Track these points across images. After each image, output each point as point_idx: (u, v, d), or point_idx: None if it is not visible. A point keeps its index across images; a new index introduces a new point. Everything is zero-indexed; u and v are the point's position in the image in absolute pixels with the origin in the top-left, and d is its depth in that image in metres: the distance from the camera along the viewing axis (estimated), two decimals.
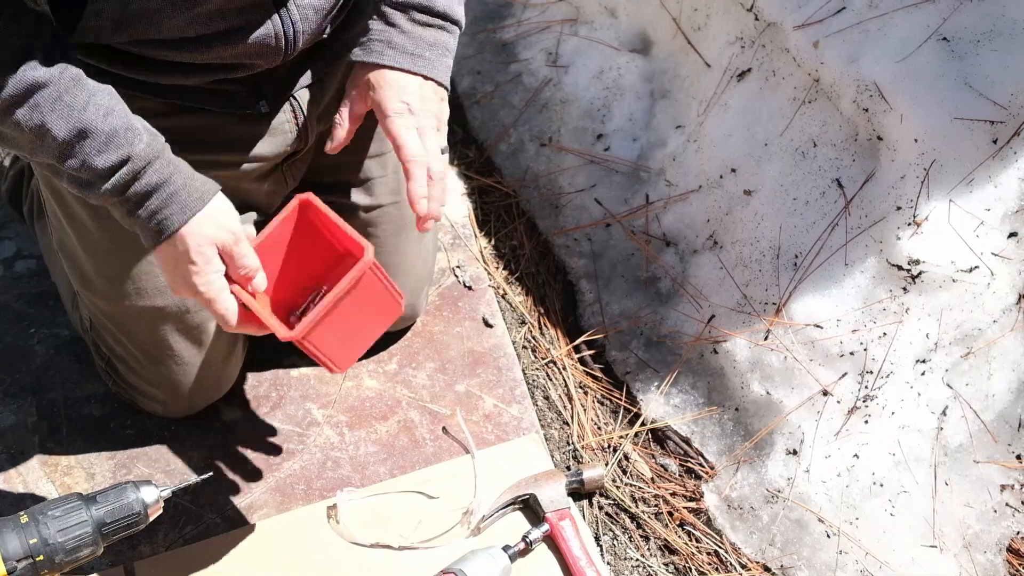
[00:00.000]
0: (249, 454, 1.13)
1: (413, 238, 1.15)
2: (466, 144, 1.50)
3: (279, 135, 0.98)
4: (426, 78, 0.92)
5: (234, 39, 0.86)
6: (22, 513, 0.83)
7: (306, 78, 0.97)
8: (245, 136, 0.96)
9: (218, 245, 0.82)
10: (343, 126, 0.94)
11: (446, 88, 0.94)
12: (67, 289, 1.14)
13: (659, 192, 1.34)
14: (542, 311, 1.31)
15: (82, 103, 0.77)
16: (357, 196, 1.10)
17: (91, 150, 0.78)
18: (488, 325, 1.27)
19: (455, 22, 0.93)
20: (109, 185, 0.80)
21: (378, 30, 0.92)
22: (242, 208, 1.00)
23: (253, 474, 1.11)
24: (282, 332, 0.81)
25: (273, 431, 1.15)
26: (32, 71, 0.75)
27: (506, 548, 1.02)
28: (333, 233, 0.87)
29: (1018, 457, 1.11)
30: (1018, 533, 1.09)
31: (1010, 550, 1.09)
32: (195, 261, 0.81)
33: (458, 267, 1.33)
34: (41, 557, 0.81)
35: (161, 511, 0.88)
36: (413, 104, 0.91)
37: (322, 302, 0.82)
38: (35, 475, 1.09)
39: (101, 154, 0.79)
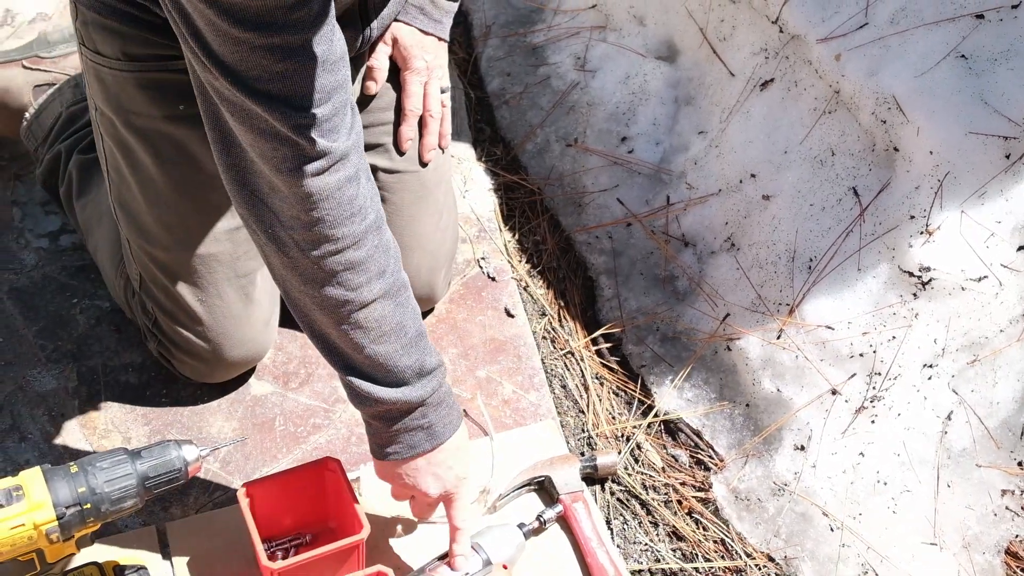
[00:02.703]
0: (277, 426, 1.19)
1: (431, 210, 1.20)
2: (494, 142, 1.56)
3: None
4: (439, 39, 1.14)
5: None
6: (72, 464, 0.89)
7: (358, 61, 1.10)
8: None
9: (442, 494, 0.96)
10: (382, 67, 1.13)
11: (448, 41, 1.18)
12: (110, 258, 1.20)
13: (680, 194, 1.39)
14: (562, 304, 1.36)
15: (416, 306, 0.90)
16: (378, 159, 1.16)
17: (426, 348, 0.90)
18: (510, 315, 1.32)
19: None
20: (424, 384, 0.90)
21: None
22: None
23: (281, 445, 1.17)
24: (264, 561, 0.94)
25: (301, 406, 1.21)
26: (402, 273, 0.89)
27: (521, 526, 1.07)
28: (340, 502, 1.01)
29: (1020, 464, 1.14)
30: (1017, 536, 1.12)
31: (1008, 552, 1.12)
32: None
33: (483, 259, 1.38)
34: (88, 505, 0.87)
35: (200, 470, 0.94)
36: (430, 60, 1.14)
37: (307, 553, 0.95)
38: (74, 436, 1.15)
39: (431, 354, 0.91)
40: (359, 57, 1.10)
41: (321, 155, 0.79)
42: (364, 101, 1.15)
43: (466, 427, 0.98)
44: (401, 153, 1.17)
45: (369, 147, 1.15)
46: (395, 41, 1.12)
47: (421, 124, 1.17)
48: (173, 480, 0.91)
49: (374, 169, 1.16)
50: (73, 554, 0.90)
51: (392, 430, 0.91)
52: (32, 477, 0.87)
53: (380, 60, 1.12)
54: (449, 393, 0.94)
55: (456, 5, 1.16)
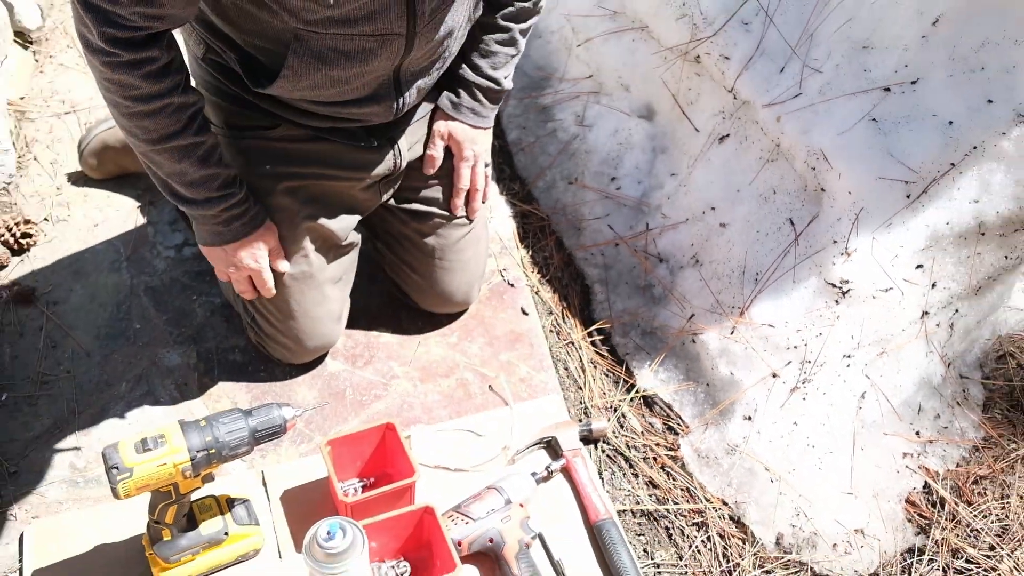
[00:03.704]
0: (347, 395, 1.27)
1: (472, 241, 1.30)
2: (512, 180, 1.63)
3: (381, 162, 1.17)
4: (485, 129, 1.22)
5: (363, 105, 1.07)
6: (201, 419, 0.97)
7: (402, 125, 1.17)
8: (358, 160, 1.15)
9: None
10: (439, 157, 1.21)
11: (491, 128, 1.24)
12: None
13: (656, 222, 1.45)
14: (565, 305, 1.43)
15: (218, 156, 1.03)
16: (435, 208, 1.26)
17: (209, 187, 1.02)
18: (524, 313, 1.39)
19: (509, 91, 1.23)
20: (235, 198, 1.03)
21: (467, 99, 1.18)
22: (347, 209, 1.20)
23: (350, 410, 1.25)
24: (340, 496, 1.02)
25: (365, 380, 1.29)
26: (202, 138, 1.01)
27: (533, 474, 1.15)
28: (396, 454, 1.08)
29: (917, 433, 1.21)
30: (914, 489, 1.19)
31: (908, 501, 1.18)
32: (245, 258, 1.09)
33: (504, 270, 1.46)
34: (213, 451, 0.95)
35: (295, 427, 1.04)
36: (477, 149, 1.21)
37: (372, 491, 1.04)
38: (195, 402, 1.24)
39: (213, 189, 1.02)
40: (397, 122, 1.14)
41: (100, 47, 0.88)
42: (424, 177, 1.24)
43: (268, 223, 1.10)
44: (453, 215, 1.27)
45: (430, 200, 1.26)
46: (450, 135, 1.20)
47: (468, 194, 1.27)
48: (275, 433, 0.98)
49: (433, 215, 1.26)
50: (198, 488, 0.98)
51: (212, 225, 1.05)
52: (172, 429, 0.95)
53: (437, 150, 1.20)
54: (241, 215, 1.06)
55: (499, 106, 1.22)
